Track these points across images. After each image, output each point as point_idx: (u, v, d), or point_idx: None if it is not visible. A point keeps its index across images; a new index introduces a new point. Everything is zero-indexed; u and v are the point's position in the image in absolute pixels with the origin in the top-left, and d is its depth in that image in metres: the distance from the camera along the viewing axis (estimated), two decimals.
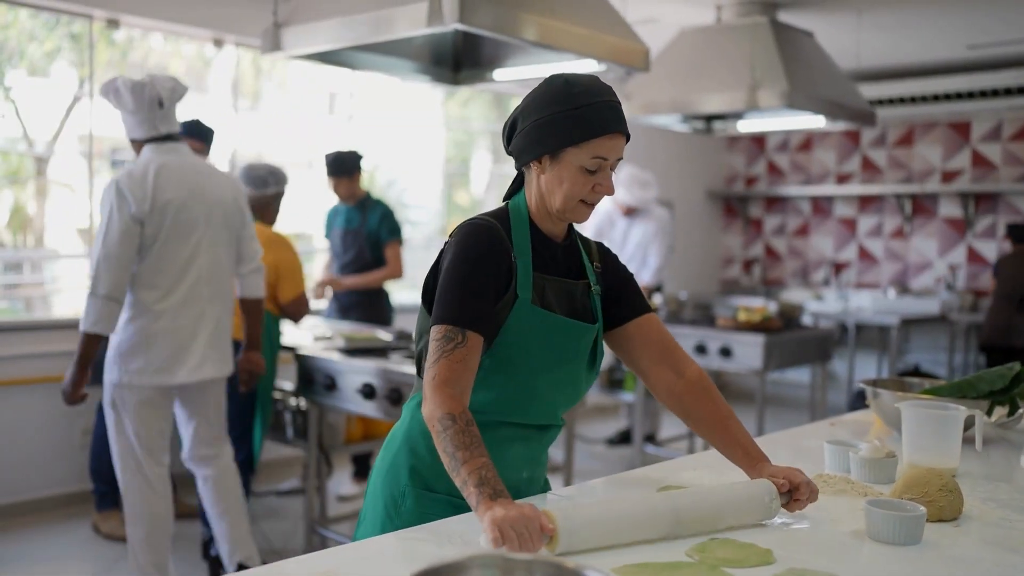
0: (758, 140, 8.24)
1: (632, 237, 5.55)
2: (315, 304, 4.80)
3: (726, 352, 4.54)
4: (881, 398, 2.12)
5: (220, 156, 5.00)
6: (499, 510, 1.24)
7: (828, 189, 7.70)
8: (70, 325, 4.16)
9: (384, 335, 3.70)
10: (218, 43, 4.99)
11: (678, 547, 1.33)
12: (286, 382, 4.10)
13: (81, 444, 4.33)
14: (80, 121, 4.67)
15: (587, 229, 5.48)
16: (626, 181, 5.41)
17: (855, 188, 7.55)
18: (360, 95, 6.05)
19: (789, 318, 4.90)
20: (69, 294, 4.93)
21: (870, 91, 6.77)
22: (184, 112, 4.87)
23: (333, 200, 4.58)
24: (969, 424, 1.97)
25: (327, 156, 4.40)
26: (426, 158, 6.55)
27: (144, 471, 2.97)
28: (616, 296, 1.69)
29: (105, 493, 3.91)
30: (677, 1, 5.09)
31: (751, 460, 1.57)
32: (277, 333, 3.68)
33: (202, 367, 2.96)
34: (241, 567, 3.13)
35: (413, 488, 1.59)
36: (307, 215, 5.77)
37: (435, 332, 1.49)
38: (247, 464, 3.57)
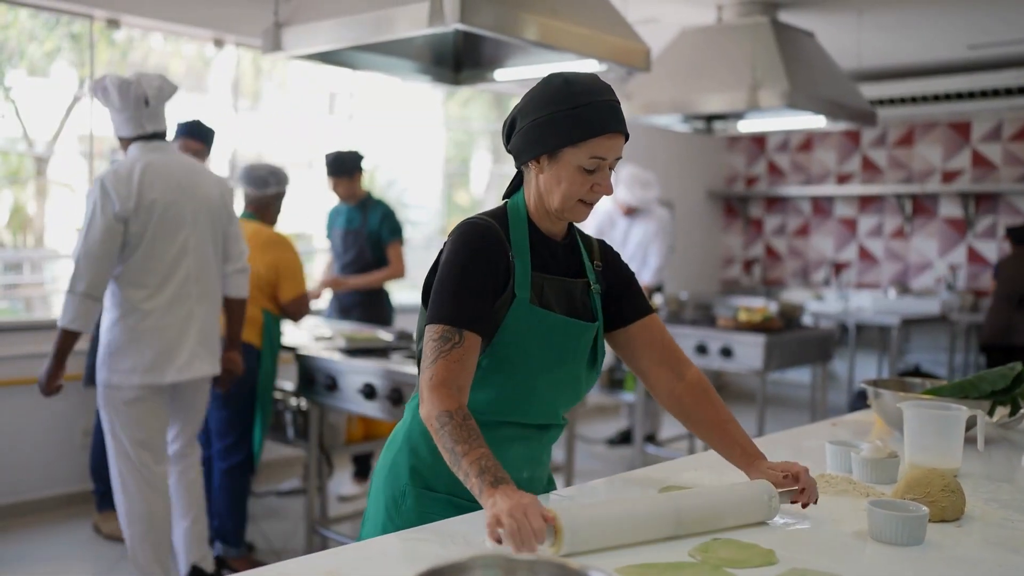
0: (758, 140, 8.24)
1: (632, 237, 5.54)
2: (315, 304, 4.80)
3: (727, 352, 4.54)
4: (883, 398, 2.12)
5: (220, 156, 5.00)
6: (500, 501, 1.24)
7: (828, 189, 7.70)
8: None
9: (385, 335, 3.70)
10: (218, 43, 4.98)
11: (681, 547, 1.32)
12: (287, 382, 4.10)
13: (82, 444, 4.33)
14: (80, 121, 4.67)
15: (587, 228, 5.48)
16: (628, 181, 5.41)
17: (855, 188, 7.55)
18: (360, 95, 6.04)
19: (790, 318, 4.90)
20: None
21: (871, 91, 6.77)
22: (184, 112, 4.87)
23: (334, 200, 4.58)
24: (971, 424, 1.96)
25: (327, 156, 4.40)
26: (426, 158, 6.55)
27: (142, 470, 2.97)
28: (618, 296, 1.69)
29: (106, 493, 3.90)
30: (678, 1, 5.08)
31: (749, 459, 1.58)
32: (278, 333, 3.67)
33: (191, 365, 2.96)
34: (196, 569, 3.15)
35: (414, 488, 1.59)
36: (307, 215, 5.77)
37: (432, 332, 1.48)
38: (246, 464, 3.57)
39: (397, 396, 3.11)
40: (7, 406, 4.12)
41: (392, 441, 1.67)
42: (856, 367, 7.23)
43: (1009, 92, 6.36)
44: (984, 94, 6.46)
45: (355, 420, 3.91)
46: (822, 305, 6.90)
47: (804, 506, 1.50)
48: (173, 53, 5.24)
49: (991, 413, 2.09)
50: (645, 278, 5.42)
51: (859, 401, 6.37)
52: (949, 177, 7.24)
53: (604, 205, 5.55)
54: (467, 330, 1.47)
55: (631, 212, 5.53)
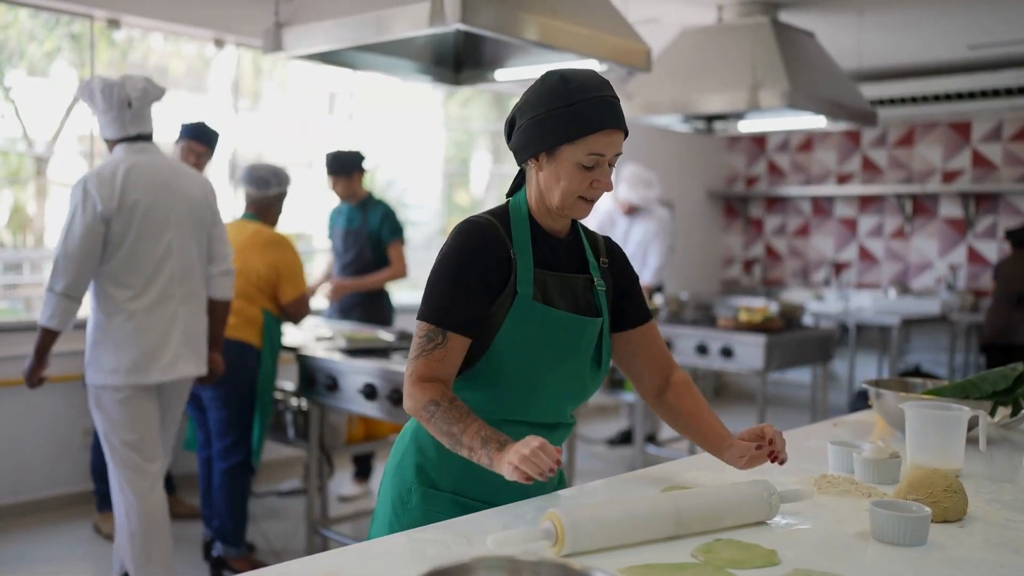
0: (758, 140, 8.24)
1: (633, 236, 5.54)
2: (315, 305, 4.80)
3: (727, 352, 4.54)
4: (884, 398, 2.11)
5: (220, 156, 5.00)
6: (511, 454, 1.35)
7: (829, 189, 7.69)
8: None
9: (385, 335, 3.70)
10: (219, 43, 4.98)
11: (683, 548, 1.32)
12: (287, 382, 4.10)
13: (82, 444, 4.33)
14: (80, 121, 4.67)
15: (589, 226, 5.47)
16: (630, 180, 5.41)
17: (856, 188, 7.55)
18: (360, 95, 6.04)
19: (790, 318, 4.90)
20: None
21: (871, 91, 6.77)
22: (186, 113, 4.87)
23: (335, 200, 4.58)
24: (972, 425, 1.96)
25: (327, 155, 4.41)
26: (426, 158, 6.55)
27: (135, 470, 2.97)
28: (622, 298, 1.70)
29: (106, 494, 3.89)
30: (678, 1, 5.08)
31: (721, 440, 1.63)
32: (278, 334, 3.67)
33: (175, 366, 2.97)
34: None
35: (419, 485, 1.61)
36: (307, 215, 5.77)
37: (419, 327, 1.54)
38: (247, 465, 3.57)
39: (398, 396, 3.10)
40: (7, 406, 4.12)
41: (400, 439, 1.69)
42: (856, 367, 7.23)
43: (1009, 92, 6.36)
44: (984, 94, 6.46)
45: (356, 420, 3.90)
46: (822, 305, 6.89)
47: (777, 461, 1.57)
48: (173, 53, 5.24)
49: (992, 414, 2.08)
50: (645, 278, 5.42)
51: (859, 401, 6.37)
52: (949, 177, 7.24)
53: (604, 204, 5.55)
54: (452, 332, 1.51)
55: (631, 211, 5.53)
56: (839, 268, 7.83)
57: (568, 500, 1.56)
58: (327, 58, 3.34)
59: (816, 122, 4.88)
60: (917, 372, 6.83)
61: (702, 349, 4.62)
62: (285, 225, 4.03)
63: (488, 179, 7.05)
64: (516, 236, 1.57)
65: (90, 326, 2.96)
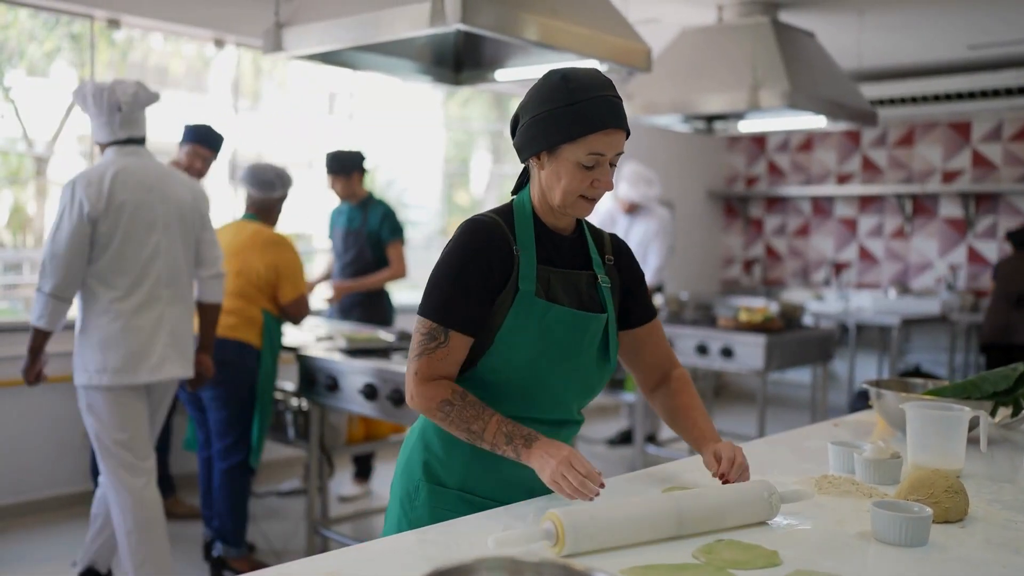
0: (758, 140, 8.24)
1: (633, 236, 5.54)
2: (315, 305, 4.80)
3: (727, 352, 4.54)
4: (885, 399, 2.11)
5: (221, 157, 4.99)
6: (545, 464, 1.41)
7: (829, 189, 7.69)
8: (69, 326, 4.15)
9: (386, 335, 3.69)
10: (219, 43, 4.98)
11: (684, 548, 1.32)
12: (287, 382, 4.10)
13: (82, 444, 4.32)
14: (80, 121, 4.67)
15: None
16: (631, 177, 5.40)
17: (856, 188, 7.55)
18: (360, 95, 6.04)
19: (790, 318, 4.90)
20: None
21: (871, 91, 6.77)
22: (186, 113, 4.87)
23: (336, 200, 4.59)
24: (972, 425, 1.96)
25: (327, 154, 4.42)
26: (426, 158, 6.55)
27: (129, 469, 2.98)
28: (627, 296, 1.71)
29: None
30: (678, 1, 5.08)
31: (702, 442, 1.64)
32: (278, 333, 3.67)
33: (162, 367, 2.98)
34: (90, 570, 3.20)
35: (426, 483, 1.62)
36: (307, 215, 5.77)
37: (420, 324, 1.55)
38: (246, 465, 3.56)
39: (398, 396, 3.10)
40: (7, 406, 4.12)
41: (408, 437, 1.71)
42: (856, 367, 7.23)
43: (1009, 92, 6.36)
44: (984, 94, 6.46)
45: (356, 420, 3.90)
46: (822, 305, 6.89)
47: (723, 479, 1.56)
48: (173, 53, 5.24)
49: (993, 414, 2.08)
50: (646, 278, 5.41)
51: (859, 401, 6.37)
52: (949, 177, 7.24)
53: (605, 204, 5.55)
54: (453, 331, 1.53)
55: (632, 210, 5.52)
56: (839, 268, 7.83)
57: (568, 501, 1.56)
58: (327, 58, 3.34)
59: (816, 122, 4.87)
60: (917, 372, 6.83)
61: (702, 349, 4.62)
62: (285, 225, 4.04)
63: (488, 179, 7.04)
64: (520, 233, 1.58)
65: (77, 326, 2.98)
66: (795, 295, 7.42)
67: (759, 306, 5.05)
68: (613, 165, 1.56)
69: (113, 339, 2.91)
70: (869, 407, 2.43)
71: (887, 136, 7.56)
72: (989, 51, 6.14)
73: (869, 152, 7.68)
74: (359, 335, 3.64)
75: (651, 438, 5.45)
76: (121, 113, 2.96)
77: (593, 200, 1.58)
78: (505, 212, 1.62)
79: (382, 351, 3.47)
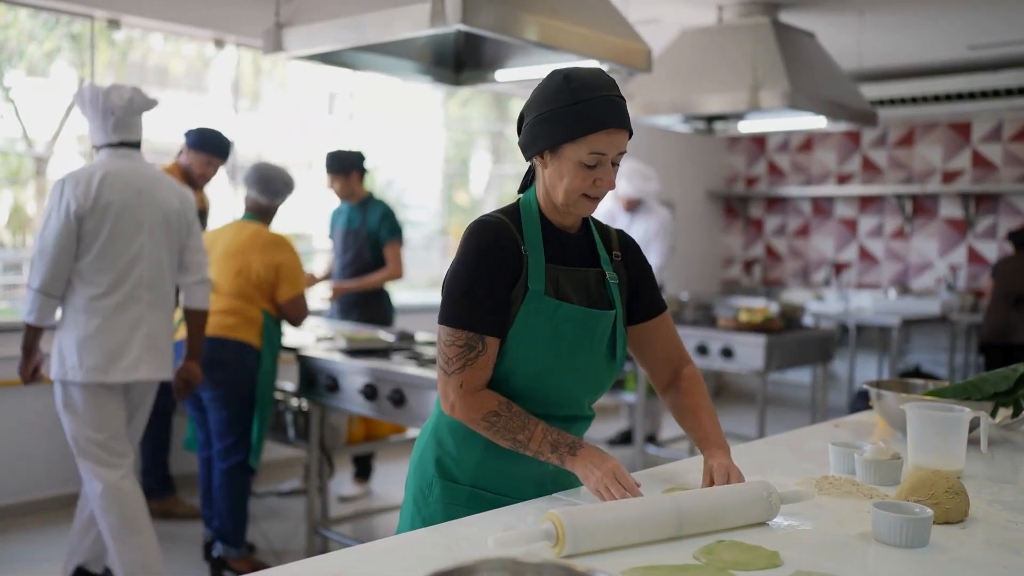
0: (759, 140, 8.24)
1: (633, 234, 5.53)
2: (315, 305, 4.80)
3: (727, 353, 4.54)
4: (885, 400, 2.11)
5: None
6: (590, 472, 1.47)
7: (829, 189, 7.69)
8: None
9: (386, 336, 3.69)
10: (219, 43, 4.98)
11: (685, 549, 1.32)
12: (287, 383, 4.10)
13: None
14: (80, 121, 4.66)
15: None
16: (628, 173, 5.40)
17: (856, 188, 7.55)
18: (360, 95, 6.04)
19: (790, 319, 4.90)
20: None
21: (871, 91, 6.77)
22: (188, 114, 4.87)
23: (336, 200, 4.59)
24: (973, 426, 1.96)
25: (327, 154, 4.42)
26: (426, 158, 6.55)
27: (105, 464, 2.99)
28: (636, 291, 1.72)
29: None
30: (679, 1, 5.08)
31: (705, 445, 1.64)
32: (278, 335, 3.66)
33: (136, 368, 3.00)
34: (80, 570, 3.20)
35: (439, 479, 1.64)
36: (307, 215, 5.77)
37: (453, 336, 1.54)
38: (245, 466, 3.56)
39: (398, 397, 3.10)
40: (7, 406, 4.12)
41: (422, 434, 1.72)
42: (856, 367, 7.23)
43: (1009, 92, 6.36)
44: (984, 94, 6.46)
45: (356, 421, 3.90)
46: (822, 305, 6.90)
47: None
48: (173, 53, 5.24)
49: (993, 415, 2.08)
50: None
51: (859, 402, 6.37)
52: (949, 177, 7.24)
53: (606, 202, 5.55)
54: (488, 335, 1.54)
55: (632, 208, 5.52)
56: (839, 268, 7.83)
57: (569, 501, 1.56)
58: (328, 58, 3.34)
59: (816, 122, 4.88)
60: (917, 372, 6.83)
61: (702, 349, 4.62)
62: (285, 225, 4.04)
63: (488, 179, 7.04)
64: (527, 233, 1.59)
65: (59, 321, 3.02)
66: (795, 295, 7.42)
67: (759, 306, 5.05)
68: (615, 165, 1.57)
69: (90, 337, 2.94)
70: (869, 408, 2.43)
71: (887, 136, 7.57)
72: (989, 51, 6.14)
73: (869, 152, 7.68)
74: (359, 335, 3.63)
75: (651, 438, 5.45)
76: (115, 117, 3.01)
77: (596, 199, 1.59)
78: (511, 212, 1.63)
79: (382, 351, 3.46)
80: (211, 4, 4.74)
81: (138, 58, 5.03)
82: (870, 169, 7.67)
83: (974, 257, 7.15)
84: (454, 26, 2.68)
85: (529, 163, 1.65)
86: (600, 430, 6.28)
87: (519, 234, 1.58)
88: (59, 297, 2.95)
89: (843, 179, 7.81)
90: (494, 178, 7.01)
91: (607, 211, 5.60)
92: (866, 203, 7.71)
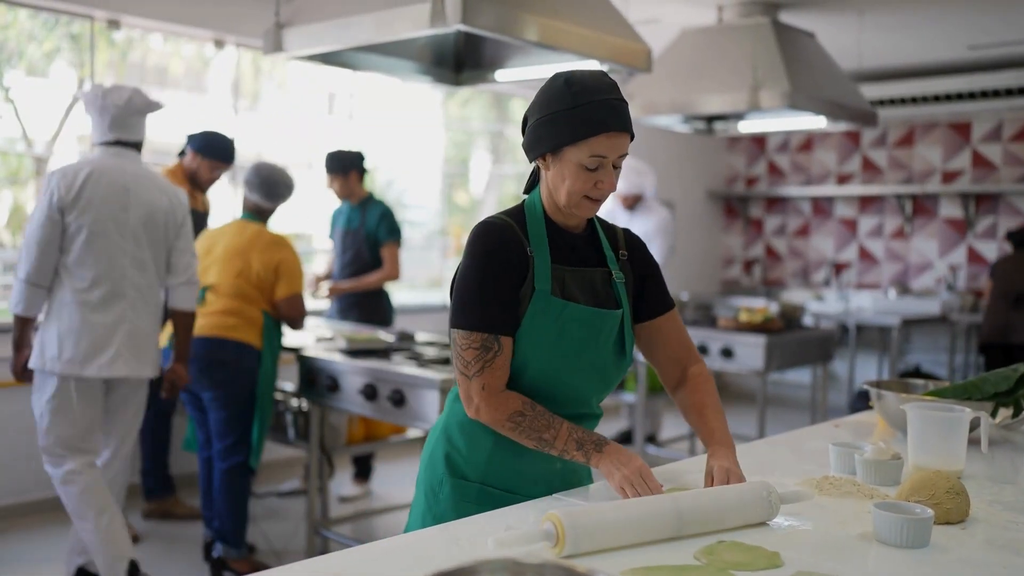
0: (759, 140, 8.24)
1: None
2: (315, 305, 4.80)
3: (727, 353, 4.54)
4: (885, 400, 2.11)
5: None
6: (615, 470, 1.49)
7: (829, 190, 7.70)
8: None
9: (386, 336, 3.69)
10: (219, 43, 4.98)
11: (686, 550, 1.32)
12: (287, 383, 4.09)
13: None
14: (79, 121, 4.67)
15: None
16: (622, 169, 5.40)
17: (856, 188, 7.55)
18: (360, 95, 6.04)
19: (790, 319, 4.90)
20: None
21: (871, 91, 6.77)
22: (189, 116, 4.87)
23: (337, 200, 4.59)
24: (974, 426, 1.96)
25: (327, 153, 4.42)
26: (426, 158, 6.55)
27: (72, 454, 3.00)
28: (643, 289, 1.73)
29: (152, 485, 3.98)
30: (679, 1, 5.08)
31: (710, 443, 1.65)
32: (278, 335, 3.66)
33: (115, 364, 3.00)
34: (82, 570, 3.20)
35: (450, 477, 1.65)
36: (307, 215, 5.77)
37: (468, 339, 1.55)
38: (245, 466, 3.56)
39: (398, 397, 3.10)
40: (7, 406, 4.12)
41: (432, 432, 1.74)
42: (856, 368, 7.23)
43: (1009, 92, 6.36)
44: (984, 94, 6.46)
45: (356, 421, 3.90)
46: (822, 305, 6.90)
47: None
48: (173, 53, 5.24)
49: (994, 415, 2.08)
50: None
51: (859, 402, 6.37)
52: (949, 177, 7.24)
53: (606, 202, 5.54)
54: (502, 335, 1.55)
55: (632, 206, 5.51)
56: (839, 268, 7.83)
57: (569, 501, 1.56)
58: (328, 59, 3.34)
59: (816, 122, 4.88)
60: (917, 372, 6.83)
61: (702, 350, 4.62)
62: (285, 225, 4.03)
63: (488, 179, 7.04)
64: (532, 234, 1.60)
65: (45, 313, 3.03)
66: (795, 295, 7.42)
67: (759, 306, 5.05)
68: (617, 167, 1.58)
69: (72, 330, 2.95)
70: (869, 408, 2.43)
71: (887, 136, 7.57)
72: (989, 51, 6.14)
73: (869, 152, 7.68)
74: (359, 335, 3.63)
75: (651, 438, 5.45)
76: (111, 115, 3.03)
77: (598, 201, 1.60)
78: (516, 213, 1.64)
79: (382, 351, 3.46)
80: (211, 4, 4.74)
81: (138, 58, 5.03)
82: (870, 169, 7.67)
83: (974, 257, 7.15)
84: (454, 26, 2.67)
85: (533, 165, 1.66)
86: (600, 430, 6.26)
87: (524, 235, 1.59)
88: (46, 288, 2.96)
89: (843, 179, 7.81)
90: (494, 178, 7.01)
91: (607, 211, 5.59)
92: (866, 203, 7.71)
